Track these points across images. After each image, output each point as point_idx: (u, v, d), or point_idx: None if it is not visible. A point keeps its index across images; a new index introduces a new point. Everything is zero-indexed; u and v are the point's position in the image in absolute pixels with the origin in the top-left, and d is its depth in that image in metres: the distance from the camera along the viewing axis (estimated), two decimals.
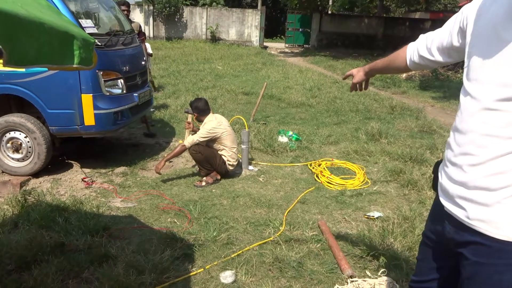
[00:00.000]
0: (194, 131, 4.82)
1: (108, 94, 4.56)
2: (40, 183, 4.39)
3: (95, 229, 3.34)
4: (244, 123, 5.58)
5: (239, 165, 4.83)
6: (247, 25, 23.92)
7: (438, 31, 1.50)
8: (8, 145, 4.50)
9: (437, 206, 1.44)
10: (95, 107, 4.42)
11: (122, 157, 5.19)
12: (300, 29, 24.94)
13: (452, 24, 1.43)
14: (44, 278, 2.69)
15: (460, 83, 1.35)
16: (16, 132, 4.46)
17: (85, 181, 4.42)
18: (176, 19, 24.12)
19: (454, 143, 1.33)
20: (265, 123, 6.76)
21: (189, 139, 4.45)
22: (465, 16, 1.36)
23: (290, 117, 7.42)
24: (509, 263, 1.21)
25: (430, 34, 1.56)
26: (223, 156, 4.53)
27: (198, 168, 4.68)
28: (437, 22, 23.82)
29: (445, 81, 11.95)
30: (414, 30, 23.76)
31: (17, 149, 4.50)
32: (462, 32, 1.38)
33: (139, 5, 25.17)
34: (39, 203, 3.84)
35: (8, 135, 4.49)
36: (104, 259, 2.96)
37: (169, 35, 24.15)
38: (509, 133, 1.17)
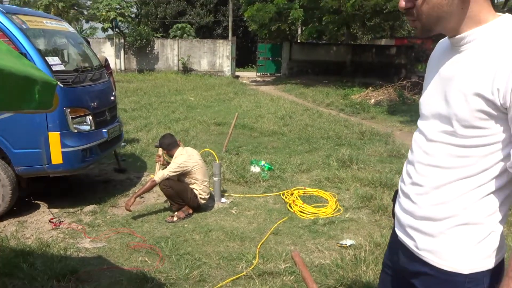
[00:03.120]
0: (165, 164, 4.78)
1: (76, 131, 4.49)
2: (4, 227, 4.23)
3: (62, 273, 3.22)
4: (215, 155, 5.58)
5: (211, 198, 4.80)
6: (219, 56, 24.26)
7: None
8: None
9: (394, 235, 1.47)
10: (63, 145, 4.34)
11: (91, 194, 5.07)
12: (271, 58, 25.45)
13: None
14: None
15: None
16: None
17: (52, 222, 4.29)
18: (147, 51, 24.26)
19: (405, 174, 1.39)
20: (237, 154, 6.78)
21: (159, 174, 4.40)
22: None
23: (262, 146, 7.47)
24: None
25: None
26: (194, 190, 4.49)
27: (169, 203, 4.62)
28: (402, 48, 24.81)
29: (412, 105, 12.34)
30: (381, 56, 24.66)
31: None
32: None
33: (109, 38, 25.26)
34: (2, 249, 3.69)
35: None
36: None
37: (140, 67, 24.20)
38: (449, 163, 1.21)
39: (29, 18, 4.72)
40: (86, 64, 5.60)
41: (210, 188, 4.79)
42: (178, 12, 30.96)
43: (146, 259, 3.54)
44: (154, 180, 4.38)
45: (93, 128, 4.73)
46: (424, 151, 1.29)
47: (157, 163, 4.99)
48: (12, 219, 4.38)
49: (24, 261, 3.40)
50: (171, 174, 4.38)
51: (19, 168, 4.35)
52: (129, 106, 11.43)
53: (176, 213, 4.43)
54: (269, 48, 25.39)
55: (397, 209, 1.42)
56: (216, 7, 31.71)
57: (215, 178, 4.87)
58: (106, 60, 6.99)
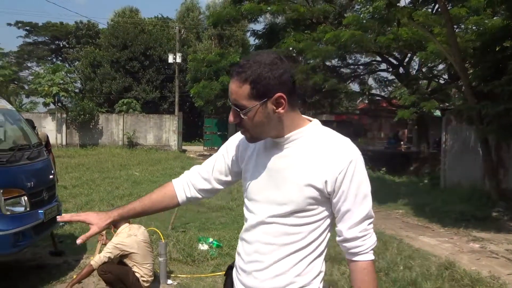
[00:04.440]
0: (106, 244, 4.52)
1: (8, 213, 4.19)
2: None
3: None
4: (160, 235, 5.38)
5: (156, 280, 4.54)
6: (165, 130, 24.36)
7: (208, 164, 1.68)
8: None
9: None
10: None
11: (23, 282, 4.61)
12: (218, 132, 25.91)
13: (225, 153, 1.64)
14: None
15: None
16: None
17: None
18: (91, 126, 23.87)
19: (243, 252, 1.52)
20: (184, 231, 6.58)
21: (96, 258, 4.12)
22: (234, 145, 1.62)
23: (210, 222, 7.33)
24: None
25: (200, 169, 1.69)
26: (136, 273, 4.23)
27: None
28: (341, 123, 26.33)
29: None
30: None
31: None
32: (236, 158, 1.61)
33: (51, 113, 24.67)
34: None
35: None
36: None
37: (83, 142, 23.61)
38: (284, 240, 1.42)
39: None
40: (24, 142, 5.39)
41: (156, 269, 4.54)
42: (124, 88, 31.18)
43: None
44: (91, 265, 4.09)
45: (28, 209, 4.44)
46: (261, 231, 1.45)
47: (99, 242, 4.72)
48: None
49: None
50: (107, 256, 4.10)
51: None
52: (69, 183, 10.92)
53: None
54: (215, 123, 25.95)
55: (239, 286, 1.54)
56: (162, 83, 32.34)
57: (160, 259, 4.64)
58: (46, 137, 6.77)
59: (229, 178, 1.66)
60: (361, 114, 27.57)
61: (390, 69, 17.35)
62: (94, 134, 23.86)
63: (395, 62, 16.43)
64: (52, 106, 26.04)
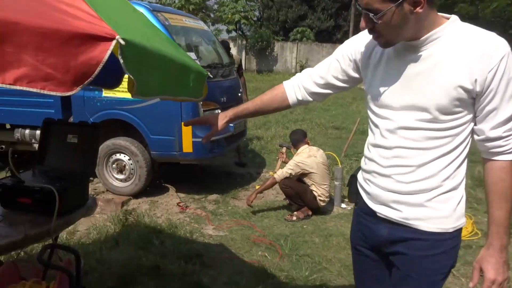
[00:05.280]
0: (286, 162, 4.77)
1: None
2: (139, 203, 4.61)
3: (189, 255, 3.37)
4: (336, 159, 5.42)
5: (331, 202, 4.66)
6: None
7: (322, 68, 1.62)
8: (113, 166, 4.82)
9: (364, 214, 1.57)
10: (194, 135, 4.57)
11: (214, 184, 5.29)
12: None
13: (341, 58, 1.57)
14: None
15: None
16: (121, 154, 4.77)
17: (180, 206, 4.55)
18: (267, 53, 24.93)
19: (378, 157, 1.48)
20: (357, 160, 6.51)
21: (279, 173, 4.39)
22: (353, 50, 1.53)
23: None
24: (444, 250, 1.42)
25: (312, 72, 1.64)
26: (314, 192, 4.39)
27: (288, 202, 4.59)
28: None
29: None
30: None
31: (121, 170, 4.80)
32: (355, 64, 1.54)
33: (232, 39, 26.51)
34: (137, 224, 4.01)
35: (114, 157, 4.81)
36: (196, 287, 2.95)
37: (259, 68, 24.97)
38: (430, 145, 1.37)
39: (171, 16, 5.09)
40: (217, 61, 5.87)
41: (330, 192, 4.64)
42: (299, 16, 31.22)
43: (266, 255, 3.54)
44: (274, 178, 4.38)
45: None
46: (402, 136, 1.40)
47: (279, 159, 5.02)
48: (145, 198, 4.75)
49: (156, 238, 3.65)
50: (289, 172, 4.33)
51: (154, 152, 4.70)
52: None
53: (295, 212, 4.38)
54: None
55: (373, 189, 1.51)
56: (337, 11, 31.28)
57: (336, 182, 4.71)
58: (240, 60, 7.17)
59: (343, 84, 1.61)
60: None
61: None
62: (270, 61, 24.95)
63: None
64: (233, 33, 27.91)
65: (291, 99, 1.69)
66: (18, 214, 2.09)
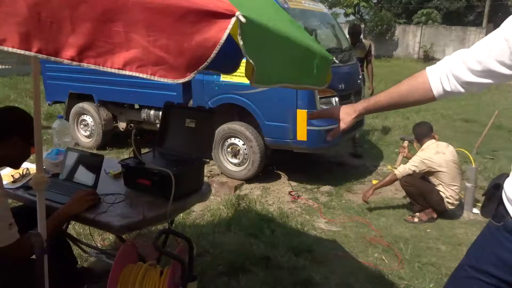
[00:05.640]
0: (408, 157, 4.33)
1: None
2: (251, 189, 4.61)
3: (299, 248, 3.23)
4: (469, 157, 4.76)
5: (460, 206, 4.10)
6: (468, 45, 21.40)
7: (481, 50, 1.23)
8: (228, 149, 4.88)
9: (509, 235, 1.22)
10: (309, 123, 4.38)
11: (326, 175, 5.06)
12: None
13: (506, 42, 1.18)
14: None
15: None
16: (236, 138, 4.80)
17: (291, 195, 4.43)
18: (386, 37, 23.55)
19: None
20: (493, 158, 5.70)
21: (401, 168, 3.97)
22: None
23: None
24: None
25: (466, 56, 1.26)
26: (441, 193, 3.90)
27: (410, 201, 4.16)
28: None
29: None
30: None
31: (235, 155, 4.84)
32: None
33: (350, 23, 25.54)
34: (249, 209, 3.99)
35: (229, 141, 4.86)
36: (307, 284, 2.80)
37: (377, 53, 23.65)
38: None
39: None
40: (336, 46, 5.56)
41: (460, 194, 4.09)
42: None
43: (383, 258, 3.23)
44: (395, 174, 3.98)
45: None
46: None
47: (400, 154, 4.59)
48: (258, 184, 4.73)
49: (267, 226, 3.57)
50: (413, 169, 3.89)
51: (268, 138, 4.64)
52: (366, 92, 11.19)
53: (417, 213, 3.95)
54: None
55: None
56: None
57: (468, 184, 4.14)
58: (370, 45, 6.69)
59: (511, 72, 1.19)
60: None
61: None
62: (389, 45, 23.51)
63: None
64: (351, 17, 26.87)
65: (437, 90, 1.34)
66: (138, 195, 2.14)
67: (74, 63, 1.01)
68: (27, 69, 12.58)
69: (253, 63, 1.16)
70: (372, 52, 6.65)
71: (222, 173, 4.94)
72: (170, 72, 1.03)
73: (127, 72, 1.02)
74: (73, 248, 2.54)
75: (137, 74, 1.02)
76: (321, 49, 2.11)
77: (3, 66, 13.09)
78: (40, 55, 0.99)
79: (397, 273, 3.00)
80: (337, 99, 4.68)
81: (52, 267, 1.68)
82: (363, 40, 6.57)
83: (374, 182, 4.66)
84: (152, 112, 5.41)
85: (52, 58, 0.99)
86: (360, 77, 5.61)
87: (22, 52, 0.97)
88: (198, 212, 3.92)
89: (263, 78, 1.37)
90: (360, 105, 1.51)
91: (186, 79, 1.04)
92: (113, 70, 1.02)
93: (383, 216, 4.01)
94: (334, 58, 2.21)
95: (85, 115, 5.84)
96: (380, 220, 3.91)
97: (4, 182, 2.19)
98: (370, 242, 3.46)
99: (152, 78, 1.02)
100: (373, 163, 5.60)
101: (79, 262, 2.67)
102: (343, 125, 1.52)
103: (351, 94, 5.04)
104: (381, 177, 4.99)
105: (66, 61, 1.00)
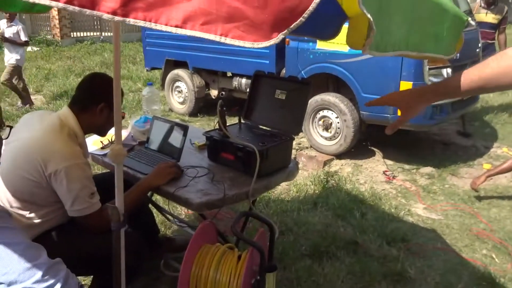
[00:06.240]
0: None
1: (429, 83, 3.97)
2: (341, 165, 4.33)
3: (393, 236, 2.93)
4: None
5: None
6: None
7: None
8: (320, 122, 4.61)
9: None
10: None
11: (428, 155, 4.56)
12: None
13: None
14: (333, 278, 2.48)
15: None
16: (328, 111, 4.51)
17: (386, 175, 4.07)
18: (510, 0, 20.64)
19: None
20: None
21: None
22: None
23: None
24: None
25: None
26: None
27: None
28: None
29: None
30: None
31: (326, 128, 4.56)
32: None
33: None
34: (338, 188, 3.75)
35: (321, 113, 4.59)
36: (399, 278, 2.52)
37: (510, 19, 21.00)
38: None
39: None
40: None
41: None
42: None
43: (493, 256, 2.80)
44: None
45: None
46: None
47: None
48: (349, 160, 4.43)
49: (357, 208, 3.31)
50: None
51: (364, 112, 4.28)
52: None
53: None
54: None
55: None
56: None
57: None
58: (506, 12, 5.72)
59: None
60: None
61: None
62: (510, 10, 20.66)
63: None
64: None
65: None
66: (221, 170, 2.03)
67: (116, 18, 0.78)
68: (132, 37, 13.50)
69: (371, 19, 0.90)
70: (507, 19, 5.71)
71: (311, 147, 4.72)
72: (248, 31, 0.77)
73: (187, 32, 0.78)
74: (157, 215, 2.56)
75: (200, 34, 0.78)
76: (454, 8, 1.71)
77: (110, 34, 14.06)
78: (71, 7, 0.78)
79: (510, 276, 2.57)
80: (449, 70, 4.13)
81: (131, 234, 1.65)
82: (499, 4, 5.64)
83: (486, 166, 4.10)
84: (243, 80, 5.33)
85: (88, 12, 0.78)
86: (479, 45, 4.88)
87: (48, 3, 0.77)
88: (284, 186, 3.77)
89: (380, 43, 1.09)
90: (441, 87, 1.16)
91: (272, 42, 0.77)
92: (168, 29, 0.78)
93: (496, 207, 3.49)
94: (469, 19, 1.80)
95: (179, 82, 5.96)
96: (491, 211, 3.41)
97: (94, 148, 2.23)
98: (477, 236, 3.03)
99: (222, 40, 0.77)
100: (485, 144, 4.92)
101: (161, 230, 2.69)
102: (405, 113, 1.19)
103: (466, 64, 4.41)
104: (494, 161, 4.38)
105: (105, 16, 0.78)
